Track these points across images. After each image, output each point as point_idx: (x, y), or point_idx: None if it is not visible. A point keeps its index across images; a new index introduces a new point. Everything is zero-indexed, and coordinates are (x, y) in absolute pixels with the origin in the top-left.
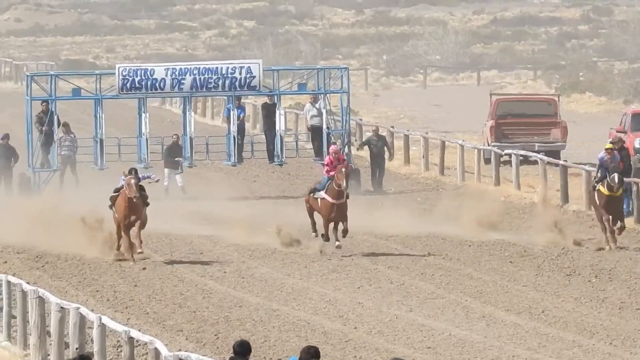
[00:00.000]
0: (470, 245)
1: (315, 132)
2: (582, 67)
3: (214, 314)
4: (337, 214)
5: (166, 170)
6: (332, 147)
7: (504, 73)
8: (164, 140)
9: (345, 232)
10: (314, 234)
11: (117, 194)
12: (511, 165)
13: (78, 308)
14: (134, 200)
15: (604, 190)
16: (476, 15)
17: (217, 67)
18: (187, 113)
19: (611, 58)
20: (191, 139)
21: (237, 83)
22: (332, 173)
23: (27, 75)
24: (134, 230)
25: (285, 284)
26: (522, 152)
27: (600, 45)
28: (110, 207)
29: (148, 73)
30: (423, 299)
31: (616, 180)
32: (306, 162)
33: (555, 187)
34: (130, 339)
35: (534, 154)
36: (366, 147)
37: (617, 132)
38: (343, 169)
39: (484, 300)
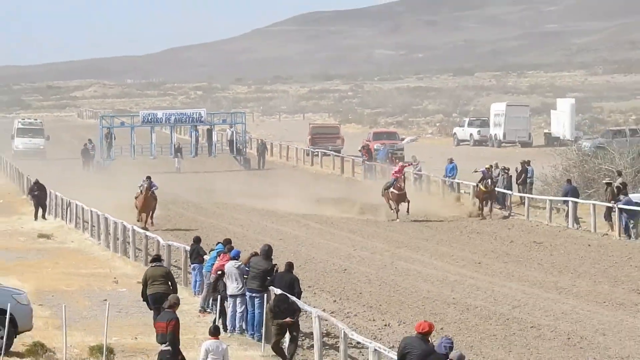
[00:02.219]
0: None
1: (232, 143)
2: (350, 112)
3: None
4: (399, 199)
5: (175, 159)
6: (401, 164)
7: (317, 115)
8: (162, 147)
9: (408, 209)
10: (391, 210)
11: (140, 191)
12: (318, 156)
13: None
14: (149, 195)
15: (482, 187)
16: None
17: (186, 112)
18: (173, 132)
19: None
20: (178, 145)
21: (195, 119)
22: (396, 176)
23: (100, 116)
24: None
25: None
26: (324, 151)
27: (358, 102)
28: (136, 198)
29: (154, 114)
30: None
31: (489, 183)
32: (226, 157)
33: (337, 166)
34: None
35: (329, 151)
36: (255, 147)
37: (366, 141)
38: (403, 179)
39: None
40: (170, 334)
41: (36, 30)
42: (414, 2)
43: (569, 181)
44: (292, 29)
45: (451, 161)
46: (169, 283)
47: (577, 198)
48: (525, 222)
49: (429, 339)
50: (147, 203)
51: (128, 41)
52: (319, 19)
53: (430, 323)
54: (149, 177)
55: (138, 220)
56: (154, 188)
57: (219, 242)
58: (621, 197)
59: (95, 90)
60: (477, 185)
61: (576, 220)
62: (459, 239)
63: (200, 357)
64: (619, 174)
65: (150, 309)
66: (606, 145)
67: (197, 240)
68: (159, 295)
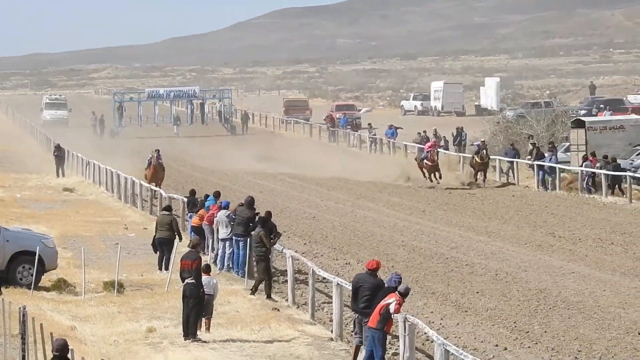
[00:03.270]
0: None
1: (220, 114)
2: (316, 89)
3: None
4: (432, 169)
5: (175, 127)
6: (433, 141)
7: (289, 91)
8: (163, 117)
9: (440, 177)
10: (425, 178)
11: (149, 162)
12: (291, 124)
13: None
14: (157, 167)
15: (477, 159)
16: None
17: (183, 89)
18: (172, 105)
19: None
20: (177, 115)
21: (190, 94)
22: (428, 150)
23: (113, 93)
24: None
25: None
26: (295, 119)
27: (323, 81)
28: (145, 169)
29: (157, 91)
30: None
31: (485, 155)
32: (216, 124)
33: (307, 132)
34: None
35: (300, 120)
36: (239, 116)
37: (330, 112)
38: (435, 152)
39: None
40: (195, 270)
41: (60, 22)
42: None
43: (512, 146)
44: (270, 21)
45: (390, 127)
46: (173, 230)
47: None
48: (461, 176)
49: (377, 274)
50: (156, 174)
51: (136, 32)
52: (292, 13)
53: (378, 261)
54: (157, 150)
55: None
56: (160, 160)
57: (207, 195)
58: (547, 154)
59: (109, 72)
60: (473, 156)
61: (506, 175)
62: (407, 192)
63: None
64: (530, 137)
65: (155, 252)
66: (526, 114)
67: (193, 192)
68: (163, 240)
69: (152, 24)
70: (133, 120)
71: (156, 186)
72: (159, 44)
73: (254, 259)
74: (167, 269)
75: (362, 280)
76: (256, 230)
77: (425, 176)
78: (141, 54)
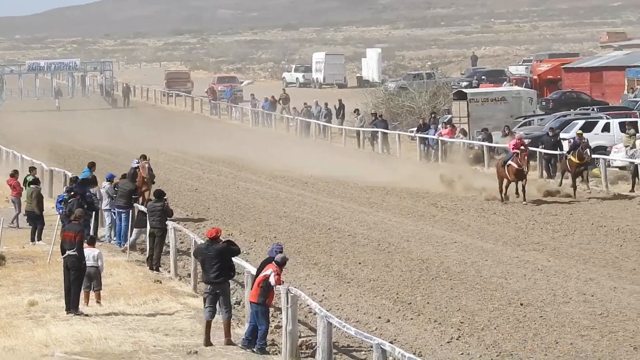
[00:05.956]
0: None
1: (102, 87)
2: (198, 60)
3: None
4: (518, 176)
5: (56, 100)
6: (518, 135)
7: (171, 63)
8: (44, 90)
9: (523, 188)
10: (500, 189)
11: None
12: (173, 97)
13: None
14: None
15: (574, 158)
16: (159, 42)
17: (64, 61)
18: (53, 78)
19: (209, 57)
20: (58, 88)
21: (71, 67)
22: (514, 151)
23: None
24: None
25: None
26: (177, 92)
27: (204, 52)
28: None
29: (37, 64)
30: None
31: (589, 153)
32: (97, 97)
33: (189, 105)
34: None
35: (181, 93)
36: (120, 89)
37: (211, 84)
38: (525, 156)
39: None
40: (78, 242)
41: None
42: None
43: (374, 115)
44: None
45: (266, 100)
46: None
47: (386, 129)
48: (343, 148)
49: (219, 240)
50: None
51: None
52: None
53: (218, 229)
54: (144, 156)
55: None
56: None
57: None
58: (432, 127)
59: None
60: (566, 156)
61: (386, 147)
62: None
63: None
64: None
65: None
66: (407, 86)
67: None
68: (31, 213)
69: None
70: (14, 94)
71: (142, 200)
72: (40, 15)
73: (153, 232)
74: (39, 239)
75: (205, 251)
76: (158, 203)
77: (500, 188)
78: (21, 25)
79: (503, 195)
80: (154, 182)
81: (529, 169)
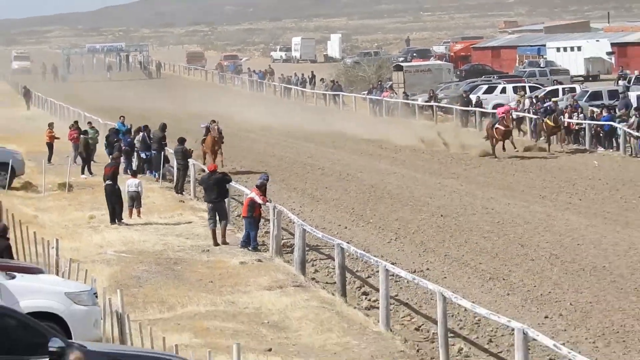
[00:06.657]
0: None
1: (141, 63)
2: (208, 44)
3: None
4: (505, 135)
5: (108, 73)
6: (506, 107)
7: (191, 45)
8: (100, 66)
9: (512, 143)
10: (491, 146)
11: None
12: (192, 71)
13: None
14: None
15: (549, 121)
16: (182, 30)
17: (114, 44)
18: (106, 57)
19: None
20: (109, 64)
21: (119, 49)
22: (501, 115)
23: (62, 48)
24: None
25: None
26: (195, 67)
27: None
28: (202, 142)
29: (94, 47)
30: None
31: (562, 118)
32: (137, 71)
33: (204, 77)
34: None
35: (199, 67)
36: (154, 65)
37: (220, 61)
38: (509, 118)
39: None
40: (111, 174)
41: None
42: None
43: (333, 82)
44: None
45: (260, 72)
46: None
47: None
48: (315, 107)
49: (217, 172)
50: (216, 144)
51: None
52: None
53: (215, 165)
54: (213, 120)
55: (204, 163)
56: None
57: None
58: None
59: (59, 32)
60: (543, 119)
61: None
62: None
63: (125, 189)
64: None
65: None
66: (360, 61)
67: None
68: (81, 154)
69: None
70: (77, 69)
71: (214, 157)
72: (95, 12)
73: (179, 167)
74: (83, 173)
75: (208, 180)
76: (180, 147)
77: (492, 144)
78: (82, 18)
79: (495, 151)
80: (223, 142)
81: (513, 127)
